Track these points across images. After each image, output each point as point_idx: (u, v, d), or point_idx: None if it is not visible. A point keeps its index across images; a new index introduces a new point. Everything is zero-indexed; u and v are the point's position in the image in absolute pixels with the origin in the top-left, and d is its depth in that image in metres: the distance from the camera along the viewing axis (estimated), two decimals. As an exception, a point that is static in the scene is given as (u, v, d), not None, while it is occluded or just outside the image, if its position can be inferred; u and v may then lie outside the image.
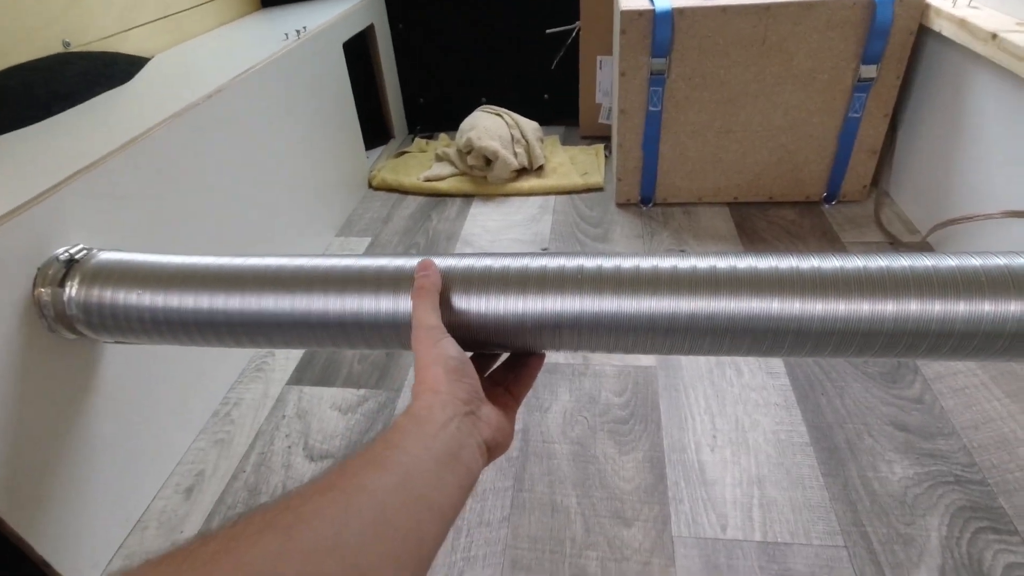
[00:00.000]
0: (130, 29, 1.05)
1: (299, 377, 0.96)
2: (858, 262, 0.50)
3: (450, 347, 0.41)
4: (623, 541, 0.69)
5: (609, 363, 0.93)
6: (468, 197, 1.40)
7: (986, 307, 0.47)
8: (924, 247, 1.12)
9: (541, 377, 0.91)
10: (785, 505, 0.71)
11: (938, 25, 1.02)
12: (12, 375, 0.58)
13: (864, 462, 0.75)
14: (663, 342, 0.51)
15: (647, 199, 1.30)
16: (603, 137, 1.64)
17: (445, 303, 0.47)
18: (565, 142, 1.63)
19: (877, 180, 1.30)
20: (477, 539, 0.71)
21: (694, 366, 0.91)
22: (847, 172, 1.24)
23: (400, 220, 1.35)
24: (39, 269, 0.60)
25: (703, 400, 0.85)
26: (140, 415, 0.76)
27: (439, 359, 0.40)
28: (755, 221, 1.25)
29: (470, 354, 0.48)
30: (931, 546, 0.66)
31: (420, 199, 1.42)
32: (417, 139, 1.69)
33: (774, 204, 1.29)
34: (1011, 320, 0.46)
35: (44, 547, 0.62)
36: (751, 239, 1.19)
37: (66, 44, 0.89)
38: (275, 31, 1.23)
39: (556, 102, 1.71)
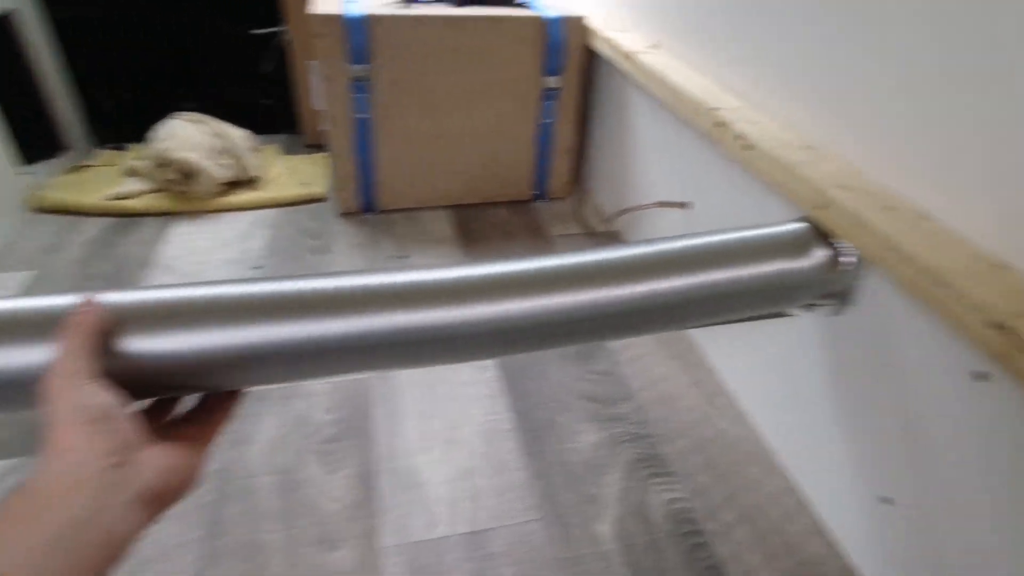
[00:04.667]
0: None
1: (-85, 458, 0.75)
2: (554, 261, 0.55)
3: (89, 394, 0.35)
4: (328, 567, 0.66)
5: (321, 380, 0.89)
6: (167, 216, 1.24)
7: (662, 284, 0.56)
8: (613, 235, 1.28)
9: (244, 407, 0.84)
10: (491, 492, 0.75)
11: (597, 45, 1.17)
12: None
13: (561, 436, 0.82)
14: (366, 362, 0.49)
15: (369, 207, 1.29)
16: (327, 145, 1.59)
17: (111, 345, 0.41)
18: (288, 151, 1.54)
19: (580, 178, 1.45)
20: (158, 607, 0.62)
21: (408, 371, 0.91)
22: (550, 173, 1.37)
23: (75, 247, 1.14)
24: None
25: (417, 403, 0.86)
26: None
27: (75, 410, 0.34)
28: (473, 223, 1.31)
29: (135, 400, 0.41)
30: (610, 500, 0.74)
31: (102, 221, 1.21)
32: (104, 152, 1.46)
33: (491, 205, 1.37)
34: (663, 295, 0.55)
35: None
36: (470, 240, 1.25)
37: None
38: None
39: (276, 109, 1.62)
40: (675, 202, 1.01)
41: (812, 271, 0.61)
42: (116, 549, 0.32)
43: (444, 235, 1.26)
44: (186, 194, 1.25)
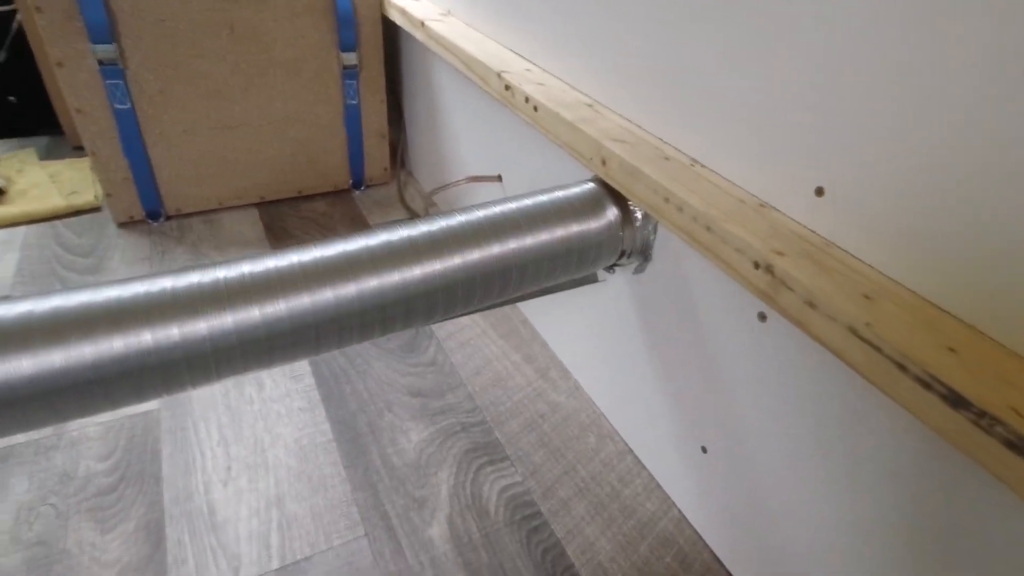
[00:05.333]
0: None
1: None
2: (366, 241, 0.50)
3: None
4: (100, 650, 0.54)
5: (93, 422, 0.74)
6: None
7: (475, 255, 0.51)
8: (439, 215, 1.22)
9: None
10: (306, 516, 0.66)
11: (391, 14, 1.09)
12: None
13: (385, 440, 0.76)
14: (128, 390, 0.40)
15: (155, 213, 1.12)
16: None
17: None
18: (50, 155, 1.30)
19: (402, 161, 1.38)
20: None
21: (206, 394, 0.79)
22: (366, 157, 1.27)
23: None
24: None
25: (216, 430, 0.75)
26: None
27: None
28: (285, 219, 1.19)
29: None
30: (441, 499, 0.69)
31: None
32: None
33: (305, 198, 1.26)
34: (465, 268, 0.51)
35: None
36: (280, 238, 1.13)
37: None
38: None
39: (29, 107, 1.35)
40: (486, 176, 0.97)
41: (605, 230, 0.59)
42: None
43: (250, 236, 1.13)
44: None
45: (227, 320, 0.44)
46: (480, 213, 0.55)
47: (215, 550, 0.62)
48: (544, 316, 0.93)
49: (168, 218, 1.14)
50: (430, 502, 0.69)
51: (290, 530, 0.65)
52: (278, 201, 1.24)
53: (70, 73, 0.93)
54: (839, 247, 0.43)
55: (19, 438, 0.71)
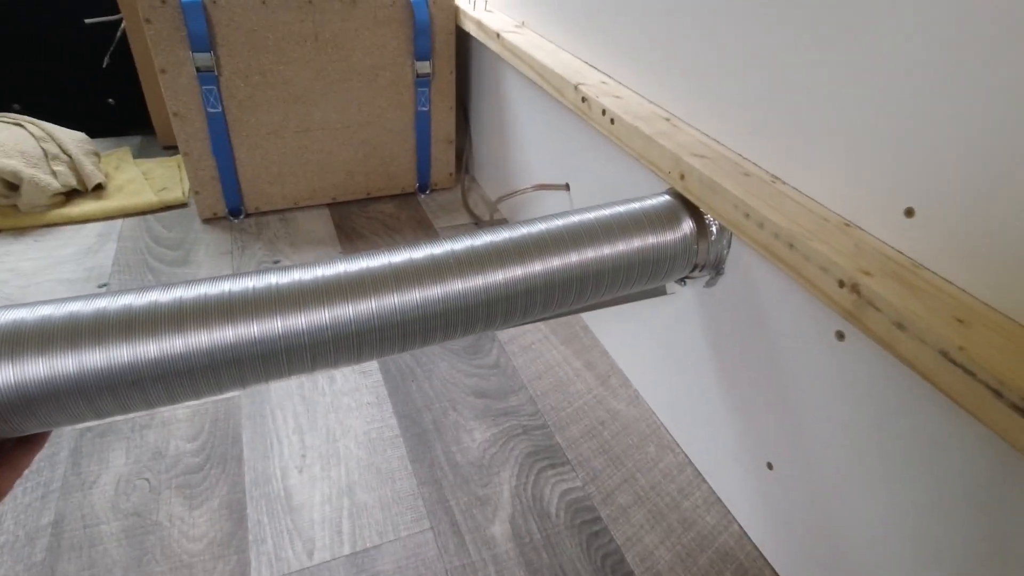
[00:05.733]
0: None
1: None
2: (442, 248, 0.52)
3: None
4: (189, 617, 0.58)
5: (182, 405, 0.80)
6: (-10, 234, 1.08)
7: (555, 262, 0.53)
8: (502, 224, 1.25)
9: (86, 445, 0.74)
10: (375, 506, 0.69)
11: (467, 26, 1.12)
12: None
13: (449, 437, 0.78)
14: (220, 379, 0.44)
15: (236, 211, 1.18)
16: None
17: None
18: (143, 154, 1.39)
19: (466, 167, 1.41)
20: None
21: (283, 384, 0.84)
22: (432, 162, 1.31)
23: None
24: None
25: (292, 419, 0.79)
26: None
27: None
28: (355, 219, 1.23)
29: None
30: (503, 499, 0.71)
31: (-91, 245, 1.04)
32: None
33: (373, 200, 1.30)
34: (538, 278, 0.53)
35: None
36: (350, 238, 1.17)
37: None
38: None
39: (125, 108, 1.46)
40: (554, 184, 0.99)
41: (680, 242, 0.60)
42: None
43: (322, 235, 1.18)
44: (14, 207, 1.09)
45: (323, 316, 0.47)
46: (559, 222, 0.57)
47: (291, 532, 0.66)
48: (605, 324, 0.94)
49: (247, 215, 1.20)
50: (493, 501, 0.71)
51: (360, 518, 0.68)
52: (348, 202, 1.29)
53: (171, 79, 1.00)
54: (929, 269, 0.43)
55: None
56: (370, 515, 0.68)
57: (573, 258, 0.55)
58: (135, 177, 1.25)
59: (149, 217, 1.18)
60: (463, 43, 1.26)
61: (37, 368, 0.38)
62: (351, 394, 0.83)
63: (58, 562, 0.61)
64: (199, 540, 0.64)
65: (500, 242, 0.54)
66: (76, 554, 0.62)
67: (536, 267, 0.53)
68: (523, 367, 0.90)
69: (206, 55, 1.00)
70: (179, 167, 1.33)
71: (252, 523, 0.66)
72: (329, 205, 1.27)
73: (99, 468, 0.71)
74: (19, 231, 1.09)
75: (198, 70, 1.01)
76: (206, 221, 1.18)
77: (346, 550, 0.64)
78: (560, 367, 0.91)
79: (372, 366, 0.88)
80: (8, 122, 1.13)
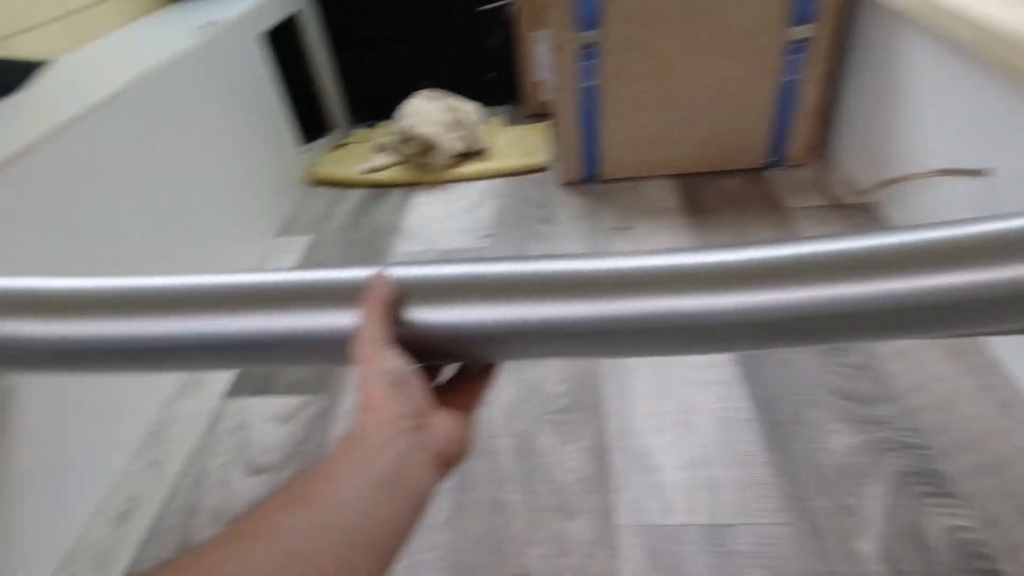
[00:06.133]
0: (23, 31, 0.98)
1: (236, 388, 0.92)
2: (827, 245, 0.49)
3: (390, 358, 0.39)
4: (566, 535, 0.67)
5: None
6: (410, 187, 1.36)
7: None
8: (867, 208, 1.11)
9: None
10: (730, 485, 0.70)
11: (867, -19, 0.99)
12: None
13: (809, 434, 0.75)
14: (632, 345, 0.49)
15: (592, 177, 1.28)
16: (550, 115, 1.60)
17: (399, 315, 0.44)
18: (511, 123, 1.59)
19: (825, 142, 1.29)
20: (419, 545, 0.69)
21: (639, 348, 0.89)
22: (790, 136, 1.22)
23: (341, 216, 1.31)
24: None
25: (647, 383, 0.84)
26: (64, 444, 0.72)
27: (378, 373, 0.37)
28: (701, 192, 1.23)
29: (417, 365, 0.45)
30: (874, 515, 0.66)
31: (361, 192, 1.37)
32: (359, 130, 1.64)
33: (720, 174, 1.28)
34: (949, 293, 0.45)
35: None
36: (696, 211, 1.17)
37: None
38: (184, 27, 1.16)
39: (501, 81, 1.67)
40: (965, 169, 0.83)
41: None
42: (419, 505, 0.34)
43: (668, 206, 1.20)
44: (425, 166, 1.36)
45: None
46: (999, 225, 0.46)
47: (650, 488, 0.71)
48: (1013, 341, 0.78)
49: (600, 182, 1.29)
50: (860, 514, 0.66)
51: (715, 494, 0.70)
52: (693, 174, 1.28)
53: (560, 56, 1.11)
54: None
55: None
56: (725, 492, 0.70)
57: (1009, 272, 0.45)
58: (508, 143, 1.44)
59: (520, 179, 1.35)
60: (850, 4, 1.12)
61: (522, 311, 0.46)
62: (703, 369, 0.85)
63: (470, 461, 0.77)
64: (571, 472, 0.74)
65: (907, 245, 0.46)
66: (482, 458, 0.77)
67: (945, 280, 0.44)
68: (896, 374, 0.80)
69: (593, 32, 1.07)
70: (542, 134, 1.48)
71: (614, 470, 0.73)
72: (675, 176, 1.29)
73: (495, 392, 0.85)
74: (428, 186, 1.36)
75: (582, 47, 1.09)
76: (564, 185, 1.30)
77: (701, 520, 0.67)
78: (945, 383, 0.79)
79: (724, 345, 0.88)
80: (431, 97, 1.39)
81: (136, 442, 0.85)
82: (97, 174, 0.80)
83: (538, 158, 1.37)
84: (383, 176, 1.37)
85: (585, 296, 0.47)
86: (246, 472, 0.80)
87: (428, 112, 1.34)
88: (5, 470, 0.64)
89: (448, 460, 0.38)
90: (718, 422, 0.77)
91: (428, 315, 0.47)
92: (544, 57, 1.49)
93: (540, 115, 1.61)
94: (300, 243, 1.23)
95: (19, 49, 0.97)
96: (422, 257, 1.14)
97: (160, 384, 0.92)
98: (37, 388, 0.68)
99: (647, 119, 1.20)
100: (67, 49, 1.07)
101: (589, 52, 1.10)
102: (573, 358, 0.50)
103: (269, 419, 0.86)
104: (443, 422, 0.39)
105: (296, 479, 0.31)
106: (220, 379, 0.94)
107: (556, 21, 1.08)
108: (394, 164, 1.39)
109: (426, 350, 0.47)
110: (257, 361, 0.51)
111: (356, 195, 1.37)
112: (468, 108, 1.41)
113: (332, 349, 0.48)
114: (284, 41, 1.38)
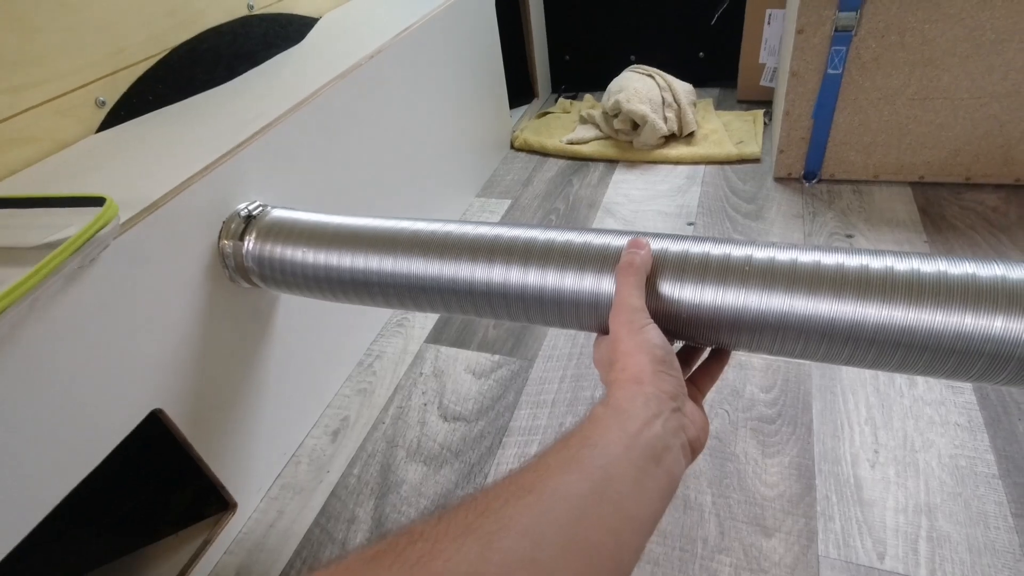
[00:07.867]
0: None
1: (436, 336, 0.99)
2: None
3: (655, 335, 0.38)
4: (761, 551, 0.64)
5: (756, 355, 0.86)
6: (611, 163, 1.34)
7: None
8: None
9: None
10: (961, 543, 0.62)
11: None
12: (199, 318, 0.64)
13: (1069, 507, 0.64)
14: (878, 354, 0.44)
15: (811, 174, 1.17)
16: (763, 102, 1.49)
17: (652, 288, 0.43)
18: (719, 106, 1.50)
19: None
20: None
21: (855, 369, 0.81)
22: (1077, 152, 1.03)
23: (540, 183, 1.33)
24: (224, 222, 0.65)
25: (864, 408, 0.76)
26: (300, 360, 0.83)
27: (644, 347, 0.37)
28: (945, 206, 1.08)
29: (677, 345, 0.44)
30: None
31: (561, 162, 1.39)
32: (561, 99, 1.65)
33: (971, 186, 1.11)
34: None
35: (220, 470, 0.70)
36: (938, 227, 1.03)
37: (250, 7, 0.95)
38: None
39: (712, 61, 1.58)
40: None
41: None
42: (674, 490, 0.33)
43: (900, 217, 1.07)
44: (631, 144, 1.33)
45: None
46: None
47: (860, 525, 0.65)
48: None
49: (820, 181, 1.18)
50: None
51: (941, 548, 0.62)
52: (938, 184, 1.13)
53: (805, 38, 1.02)
54: None
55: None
56: (954, 551, 0.62)
57: None
58: (717, 128, 1.37)
59: (727, 167, 1.28)
60: None
61: (781, 302, 0.43)
62: (935, 406, 0.75)
63: (660, 450, 0.76)
64: (772, 487, 0.70)
65: None
66: (673, 450, 0.75)
67: None
68: None
69: (852, 14, 0.97)
70: (754, 122, 1.39)
71: (820, 495, 0.68)
72: (913, 184, 1.14)
73: (689, 385, 0.83)
74: (630, 164, 1.33)
75: (836, 30, 0.99)
76: (778, 180, 1.21)
77: (922, 573, 0.61)
78: None
79: (965, 384, 0.78)
80: (643, 73, 1.36)
81: (349, 369, 0.95)
82: (354, 122, 0.89)
83: (751, 148, 1.29)
84: (586, 149, 1.37)
85: (873, 298, 0.42)
86: (441, 417, 0.86)
87: (641, 88, 1.31)
88: (257, 372, 0.74)
89: (694, 448, 0.36)
90: (950, 469, 0.69)
91: (676, 291, 0.45)
92: (773, 38, 1.38)
93: (753, 102, 1.50)
94: (498, 206, 1.28)
95: (299, 7, 1.09)
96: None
97: (372, 321, 1.01)
98: (287, 309, 0.78)
99: (890, 116, 1.07)
100: (332, 7, 1.18)
101: (842, 36, 1.00)
102: (816, 360, 0.46)
103: (464, 371, 0.91)
104: (694, 409, 0.38)
105: (564, 441, 0.31)
106: (422, 325, 1.01)
107: (810, 0, 0.99)
108: (598, 138, 1.39)
109: (675, 330, 0.46)
110: (501, 313, 0.53)
111: (556, 164, 1.39)
112: (681, 88, 1.35)
113: (582, 312, 0.49)
114: (507, 4, 1.41)
